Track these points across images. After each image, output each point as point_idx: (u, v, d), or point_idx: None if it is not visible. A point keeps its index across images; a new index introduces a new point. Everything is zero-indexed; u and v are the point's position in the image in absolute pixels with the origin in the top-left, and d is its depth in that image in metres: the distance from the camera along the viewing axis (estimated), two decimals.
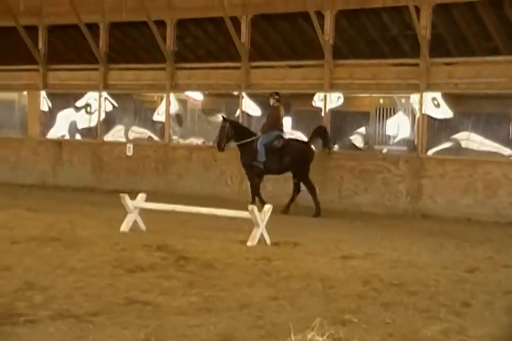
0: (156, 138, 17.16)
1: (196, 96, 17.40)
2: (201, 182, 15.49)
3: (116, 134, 17.61)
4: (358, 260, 8.04)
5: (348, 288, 6.48)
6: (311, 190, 12.80)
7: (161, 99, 16.95)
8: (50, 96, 17.97)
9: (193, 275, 6.85)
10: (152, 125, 17.35)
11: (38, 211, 11.47)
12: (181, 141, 16.88)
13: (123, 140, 17.36)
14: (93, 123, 17.71)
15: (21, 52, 17.90)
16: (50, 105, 18.04)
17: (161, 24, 16.10)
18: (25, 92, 18.51)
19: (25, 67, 18.13)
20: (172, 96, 16.38)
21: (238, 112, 15.62)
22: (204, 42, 17.39)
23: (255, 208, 8.78)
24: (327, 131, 13.55)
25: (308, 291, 6.33)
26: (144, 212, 9.77)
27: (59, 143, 17.66)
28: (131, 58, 17.68)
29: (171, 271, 7.00)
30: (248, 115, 15.68)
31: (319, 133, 13.32)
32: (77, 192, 14.24)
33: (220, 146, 13.13)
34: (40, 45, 17.67)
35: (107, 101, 17.31)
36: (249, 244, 8.71)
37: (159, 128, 16.97)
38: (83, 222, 10.35)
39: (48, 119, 18.01)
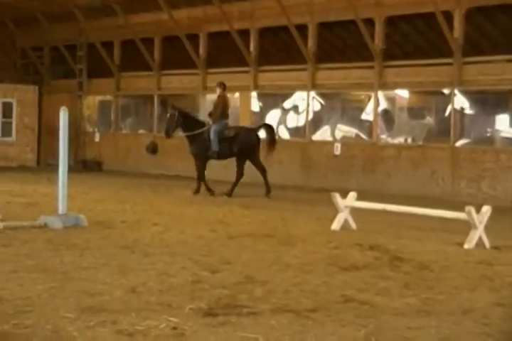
0: (364, 137, 17.05)
1: (403, 94, 17.04)
2: (410, 181, 15.12)
3: (324, 133, 17.75)
4: None
5: None
6: (263, 171, 13.69)
7: (369, 98, 16.80)
8: (260, 96, 18.54)
9: (408, 276, 6.67)
10: (360, 124, 17.26)
11: (251, 208, 11.88)
12: (390, 139, 16.62)
13: (330, 139, 17.45)
14: (301, 123, 18.01)
15: (234, 55, 18.68)
16: (261, 105, 18.62)
17: (368, 22, 15.94)
18: (237, 93, 19.25)
19: (237, 69, 18.85)
20: (380, 94, 16.16)
21: (449, 110, 15.03)
22: (413, 39, 16.95)
23: (473, 209, 8.35)
24: (274, 130, 14.53)
25: None
26: (352, 211, 9.70)
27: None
28: (339, 57, 17.72)
29: (385, 270, 6.87)
30: (461, 113, 15.04)
31: (266, 129, 14.18)
32: (286, 190, 14.54)
33: (168, 134, 13.91)
34: (252, 47, 18.25)
35: (315, 101, 17.50)
36: (466, 246, 8.33)
37: (367, 127, 16.83)
38: (294, 219, 10.55)
39: (259, 119, 18.57)
